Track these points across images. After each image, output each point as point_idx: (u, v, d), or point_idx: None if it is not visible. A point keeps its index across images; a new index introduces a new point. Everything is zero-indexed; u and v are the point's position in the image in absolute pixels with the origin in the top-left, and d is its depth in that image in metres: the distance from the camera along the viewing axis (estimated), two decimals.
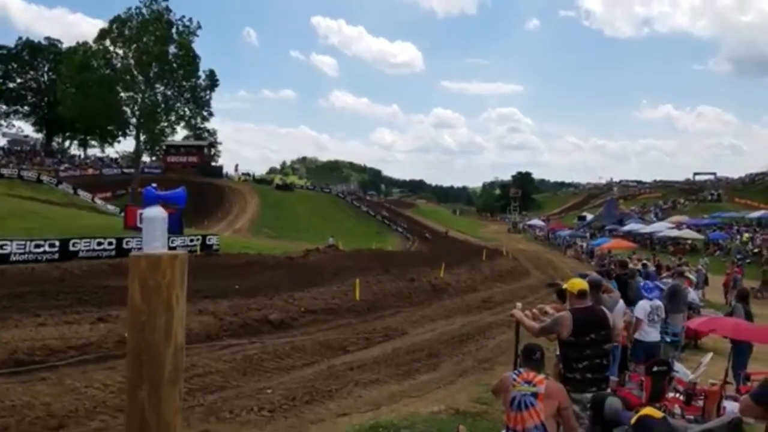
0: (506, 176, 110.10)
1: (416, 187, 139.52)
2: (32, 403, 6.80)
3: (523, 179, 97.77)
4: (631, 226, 48.03)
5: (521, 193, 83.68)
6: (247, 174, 76.36)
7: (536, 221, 67.89)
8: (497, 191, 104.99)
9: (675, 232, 41.45)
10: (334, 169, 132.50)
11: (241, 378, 8.60)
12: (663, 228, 43.69)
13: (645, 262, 19.17)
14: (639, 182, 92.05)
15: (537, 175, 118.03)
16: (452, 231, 56.82)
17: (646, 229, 45.48)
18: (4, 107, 65.88)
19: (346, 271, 18.43)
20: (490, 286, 20.89)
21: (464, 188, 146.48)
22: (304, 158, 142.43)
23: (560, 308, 5.84)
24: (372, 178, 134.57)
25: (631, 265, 12.06)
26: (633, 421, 3.36)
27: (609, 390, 5.21)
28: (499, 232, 64.41)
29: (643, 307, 7.92)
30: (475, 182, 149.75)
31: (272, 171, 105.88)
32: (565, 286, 5.53)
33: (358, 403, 7.89)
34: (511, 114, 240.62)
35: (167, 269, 2.05)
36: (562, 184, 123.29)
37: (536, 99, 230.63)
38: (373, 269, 18.99)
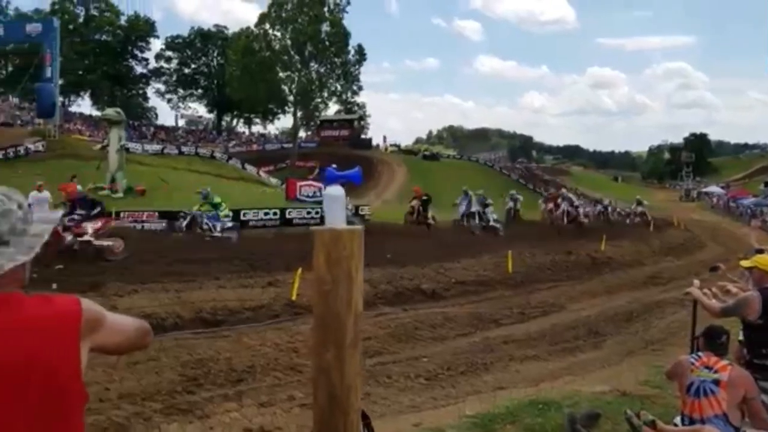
0: (676, 138, 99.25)
1: (572, 153, 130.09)
2: (216, 358, 7.54)
3: (698, 141, 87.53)
4: None
5: (695, 156, 75.77)
6: (395, 145, 77.75)
7: (714, 188, 60.80)
8: (666, 155, 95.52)
9: None
10: (482, 136, 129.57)
11: (396, 345, 8.84)
12: None
13: None
14: None
15: (714, 136, 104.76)
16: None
17: None
18: (182, 91, 73.47)
19: (497, 242, 18.09)
20: (659, 261, 19.26)
21: (626, 153, 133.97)
22: (450, 127, 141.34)
23: (744, 287, 5.23)
24: (522, 145, 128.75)
25: None
26: None
27: None
28: (668, 200, 59.05)
29: None
30: (639, 146, 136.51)
31: (418, 141, 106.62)
32: (749, 264, 4.88)
33: (515, 377, 7.74)
34: (680, 69, 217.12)
35: (347, 243, 2.20)
36: (745, 146, 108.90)
37: (710, 50, 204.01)
38: (525, 240, 18.40)
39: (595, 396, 6.64)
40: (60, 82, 39.15)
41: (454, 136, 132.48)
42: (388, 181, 57.88)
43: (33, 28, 37.68)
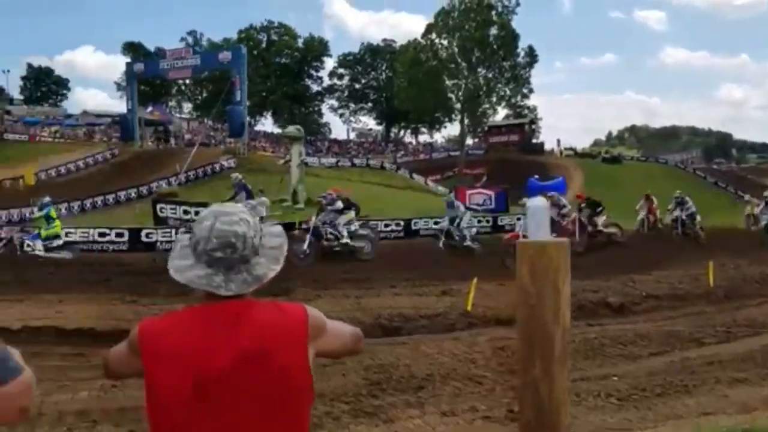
0: None
1: None
2: (396, 364, 7.69)
3: None
4: None
5: None
6: (570, 148, 74.30)
7: None
8: None
9: None
10: (670, 135, 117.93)
11: (583, 361, 8.28)
12: None
13: None
14: None
15: None
16: None
17: None
18: (353, 106, 77.83)
19: (692, 252, 16.33)
20: None
21: None
22: (632, 126, 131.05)
23: None
24: (719, 143, 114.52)
25: None
26: None
27: None
28: None
29: None
30: None
31: (597, 143, 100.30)
32: None
33: (722, 403, 6.82)
34: None
35: (553, 255, 2.15)
36: None
37: None
38: (726, 250, 16.36)
39: None
40: (247, 103, 43.42)
41: (637, 136, 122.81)
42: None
43: (224, 56, 42.55)
